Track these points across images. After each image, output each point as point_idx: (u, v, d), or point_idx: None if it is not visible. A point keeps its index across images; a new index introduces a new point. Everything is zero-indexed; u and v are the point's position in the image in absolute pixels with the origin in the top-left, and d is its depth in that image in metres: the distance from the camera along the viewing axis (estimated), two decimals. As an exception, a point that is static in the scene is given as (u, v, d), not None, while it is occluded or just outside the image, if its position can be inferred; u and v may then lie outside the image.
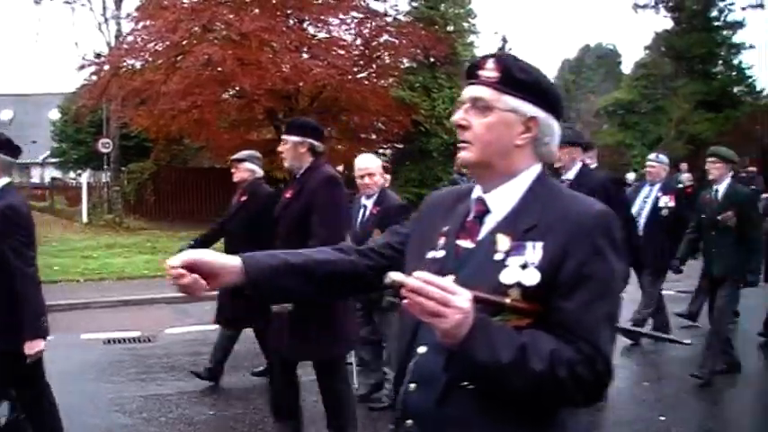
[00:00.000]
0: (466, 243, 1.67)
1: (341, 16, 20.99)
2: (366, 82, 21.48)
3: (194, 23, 18.47)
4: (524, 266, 1.54)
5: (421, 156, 21.71)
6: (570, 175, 5.15)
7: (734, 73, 31.18)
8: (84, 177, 25.26)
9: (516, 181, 1.68)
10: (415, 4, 24.69)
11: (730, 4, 30.17)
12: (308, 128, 4.42)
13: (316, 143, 4.32)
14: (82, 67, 20.89)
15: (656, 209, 7.06)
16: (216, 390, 6.02)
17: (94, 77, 20.79)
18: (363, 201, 5.33)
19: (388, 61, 22.61)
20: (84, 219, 21.65)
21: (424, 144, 22.87)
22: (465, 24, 25.79)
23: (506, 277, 1.54)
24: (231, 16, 18.94)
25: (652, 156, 7.67)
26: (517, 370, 1.45)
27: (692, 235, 6.47)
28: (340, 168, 18.94)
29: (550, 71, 59.07)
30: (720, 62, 31.18)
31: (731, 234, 5.91)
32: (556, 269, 1.53)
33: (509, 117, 1.65)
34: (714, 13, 30.60)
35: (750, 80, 31.78)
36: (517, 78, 1.66)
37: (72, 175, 32.46)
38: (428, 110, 22.88)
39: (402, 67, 23.41)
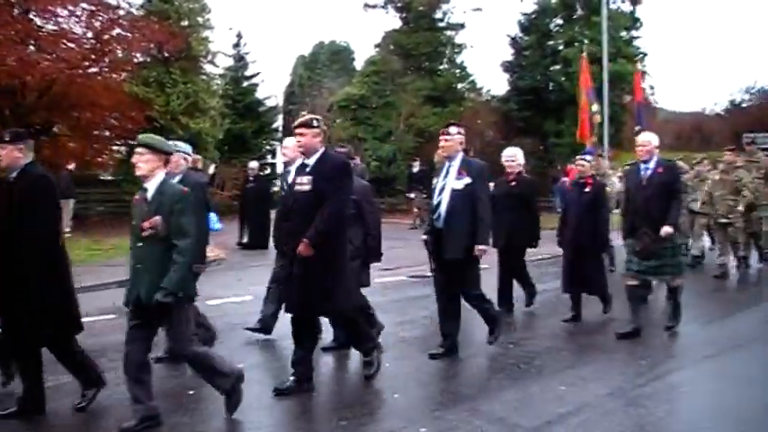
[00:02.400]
0: None
1: (70, 8, 20.04)
2: (98, 77, 20.89)
3: None
4: None
5: (157, 152, 21.42)
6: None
7: (457, 71, 33.99)
8: None
9: None
10: (149, -3, 24.39)
11: (453, 7, 32.96)
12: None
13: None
14: None
15: None
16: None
17: None
18: None
19: (120, 55, 22.04)
20: None
21: (159, 140, 22.67)
22: (199, 19, 25.69)
23: None
24: (-52, 5, 17.66)
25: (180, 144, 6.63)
26: None
27: None
28: (71, 166, 18.64)
29: (286, 67, 60.02)
30: (445, 60, 33.89)
31: (158, 248, 4.68)
32: None
33: None
34: (439, 15, 33.25)
35: (471, 78, 34.82)
36: None
37: None
38: (162, 105, 22.82)
39: (135, 61, 23.07)
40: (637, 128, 16.00)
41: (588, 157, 8.88)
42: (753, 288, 11.07)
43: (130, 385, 4.73)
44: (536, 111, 32.27)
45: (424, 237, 6.80)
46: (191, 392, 5.69)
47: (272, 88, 57.65)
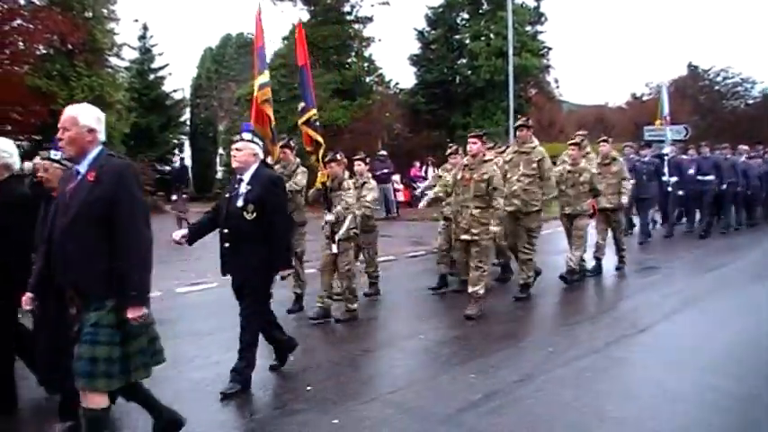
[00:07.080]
0: None
1: (-34, -2, 19.60)
2: (-2, 69, 20.28)
3: None
4: None
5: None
6: None
7: (365, 64, 34.17)
8: None
9: None
10: (50, -13, 23.62)
11: (361, 0, 33.13)
12: None
13: None
14: None
15: None
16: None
17: None
18: None
19: (22, 47, 21.39)
20: None
21: (63, 135, 22.04)
22: (104, 10, 24.84)
23: None
24: None
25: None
26: None
27: None
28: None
29: (193, 60, 59.10)
30: (353, 54, 34.01)
31: None
32: None
33: None
34: (347, 8, 33.35)
35: (379, 71, 35.09)
36: None
37: None
38: (67, 99, 21.85)
39: (38, 53, 22.31)
40: (301, 105, 8.61)
41: (55, 154, 4.76)
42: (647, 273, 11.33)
43: None
44: (443, 104, 32.82)
45: None
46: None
47: (179, 81, 56.79)
